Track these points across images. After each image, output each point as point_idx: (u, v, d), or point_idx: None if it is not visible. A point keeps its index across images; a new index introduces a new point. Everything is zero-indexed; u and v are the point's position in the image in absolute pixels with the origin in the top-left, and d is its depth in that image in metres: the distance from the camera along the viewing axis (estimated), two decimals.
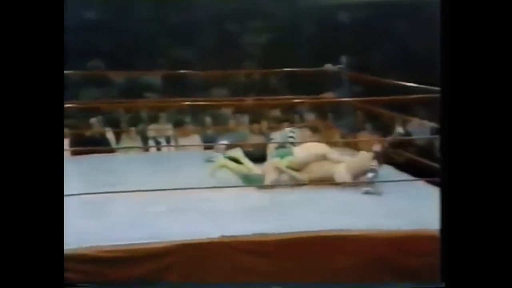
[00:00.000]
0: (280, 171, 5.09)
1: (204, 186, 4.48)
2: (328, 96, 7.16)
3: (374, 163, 5.11)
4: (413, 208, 4.55)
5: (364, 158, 5.20)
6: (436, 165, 5.17)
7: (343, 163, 5.17)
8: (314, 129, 6.19)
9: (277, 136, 5.85)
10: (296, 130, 5.86)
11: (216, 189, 4.66)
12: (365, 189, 4.98)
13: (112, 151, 6.80)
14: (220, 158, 5.29)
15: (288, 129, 5.85)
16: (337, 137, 6.91)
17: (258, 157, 5.46)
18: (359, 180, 5.08)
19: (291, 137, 5.75)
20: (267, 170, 5.11)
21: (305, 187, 5.01)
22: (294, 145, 5.43)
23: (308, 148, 5.30)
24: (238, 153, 5.26)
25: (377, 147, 5.29)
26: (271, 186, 4.98)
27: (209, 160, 5.67)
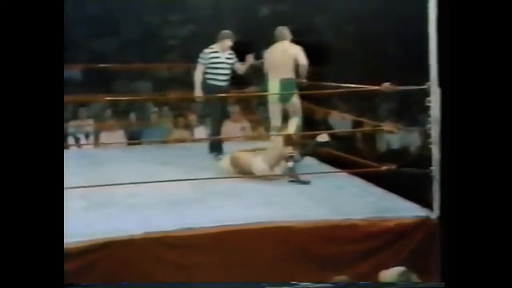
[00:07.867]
0: None
1: (127, 182, 4.39)
2: (254, 89, 7.20)
3: (291, 150, 5.13)
4: (335, 198, 4.64)
5: (277, 146, 5.18)
6: (357, 158, 5.30)
7: (259, 155, 5.17)
8: None
9: None
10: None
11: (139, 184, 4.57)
12: (291, 178, 5.00)
13: None
14: None
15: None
16: (261, 130, 6.96)
17: None
18: (278, 168, 5.12)
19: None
20: None
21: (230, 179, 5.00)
22: None
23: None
24: None
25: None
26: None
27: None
